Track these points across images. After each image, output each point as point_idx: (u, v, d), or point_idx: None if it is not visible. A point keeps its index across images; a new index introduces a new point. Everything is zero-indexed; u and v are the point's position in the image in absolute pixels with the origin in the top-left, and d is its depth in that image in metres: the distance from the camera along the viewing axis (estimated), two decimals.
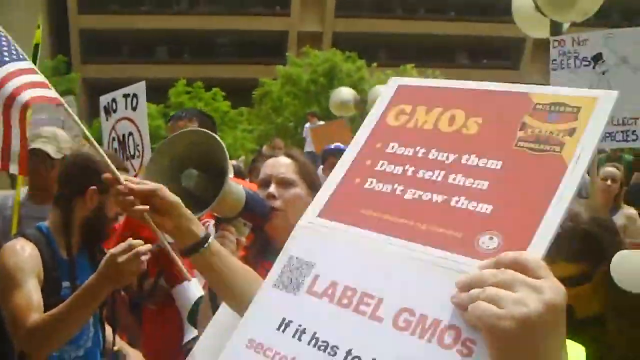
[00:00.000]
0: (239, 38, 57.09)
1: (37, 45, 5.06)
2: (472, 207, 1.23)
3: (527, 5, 7.45)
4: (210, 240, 1.98)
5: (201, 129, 2.34)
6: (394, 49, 53.56)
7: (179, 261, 2.64)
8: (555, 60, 6.31)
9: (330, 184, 1.49)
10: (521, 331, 1.01)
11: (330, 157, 6.42)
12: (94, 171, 3.12)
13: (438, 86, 1.48)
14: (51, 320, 2.81)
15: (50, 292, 3.05)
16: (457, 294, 1.11)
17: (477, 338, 1.08)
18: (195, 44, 56.98)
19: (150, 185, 1.97)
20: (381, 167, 1.41)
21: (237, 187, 2.49)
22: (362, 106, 19.88)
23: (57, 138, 4.63)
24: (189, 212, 1.99)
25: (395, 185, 1.35)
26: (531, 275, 1.06)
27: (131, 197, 1.93)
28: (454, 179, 1.28)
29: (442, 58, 53.03)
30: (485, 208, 1.21)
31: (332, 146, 6.69)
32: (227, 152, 2.28)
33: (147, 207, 1.94)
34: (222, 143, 2.29)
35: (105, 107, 5.90)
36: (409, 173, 1.36)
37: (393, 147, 1.43)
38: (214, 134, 2.28)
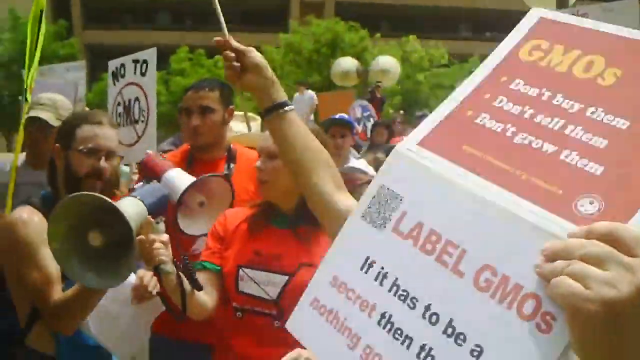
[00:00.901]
0: (241, 5, 56.78)
1: (41, 11, 4.95)
2: (582, 164, 1.10)
3: None
4: (289, 107, 2.04)
5: (92, 194, 2.40)
6: (396, 20, 53.40)
7: (160, 160, 3.17)
8: None
9: (440, 111, 1.36)
10: (609, 316, 0.90)
11: (333, 127, 6.24)
12: (64, 130, 3.12)
13: (583, 26, 1.32)
14: (73, 296, 2.74)
15: None
16: (541, 264, 1.01)
17: (558, 313, 0.98)
18: (198, 11, 56.64)
19: (243, 46, 2.12)
20: (499, 103, 1.29)
21: (139, 213, 2.55)
22: (365, 76, 19.80)
23: (56, 104, 4.55)
24: (273, 75, 2.09)
25: (508, 126, 1.24)
26: (626, 253, 0.92)
27: (232, 54, 2.09)
28: (572, 131, 1.16)
29: (445, 30, 52.87)
30: (596, 169, 1.08)
31: (337, 116, 6.52)
32: (123, 211, 2.32)
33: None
34: (117, 205, 2.33)
35: (113, 71, 5.77)
36: (526, 115, 1.23)
37: (518, 84, 1.30)
38: (107, 200, 2.32)
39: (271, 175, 2.91)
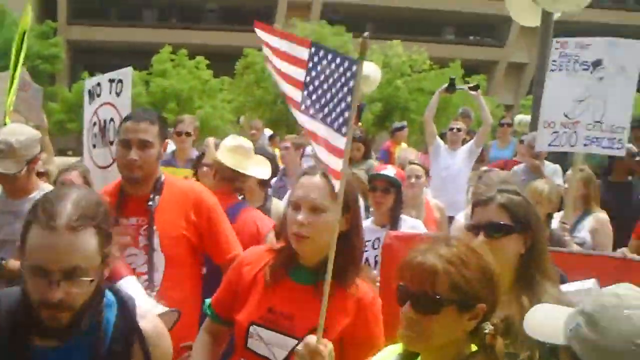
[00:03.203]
0: (227, 4, 56.64)
1: (24, 33, 5.03)
2: None
3: None
4: None
5: None
6: (382, 22, 53.35)
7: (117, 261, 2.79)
8: (555, 61, 6.32)
9: None
10: None
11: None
12: None
13: None
14: None
15: None
16: None
17: None
18: (183, 9, 56.50)
19: None
20: None
21: None
22: None
23: (13, 147, 4.43)
24: None
25: None
26: None
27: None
28: None
29: (429, 33, 52.94)
30: None
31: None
32: None
33: None
34: None
35: (89, 90, 5.81)
36: None
37: None
38: None
39: (314, 231, 2.78)
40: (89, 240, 2.09)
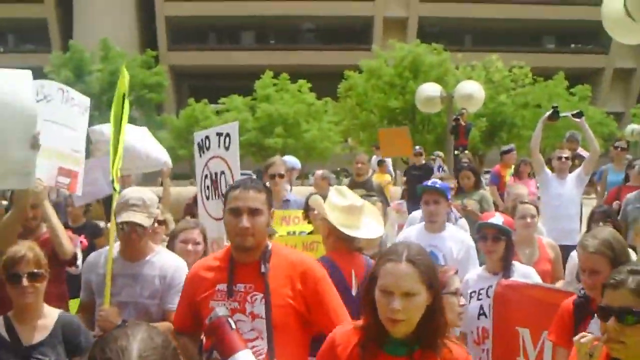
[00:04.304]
0: (324, 23, 57.19)
1: (124, 95, 5.11)
2: None
3: (617, 10, 7.22)
4: None
5: None
6: (480, 34, 52.89)
7: (233, 332, 2.90)
8: None
9: None
10: None
11: (425, 194, 6.01)
12: None
13: None
14: None
15: None
16: None
17: None
18: (281, 30, 57.35)
19: None
20: None
21: None
22: (449, 102, 19.65)
23: (146, 203, 4.55)
24: None
25: None
26: None
27: None
28: None
29: (529, 43, 52.13)
30: None
31: (429, 182, 6.30)
32: None
33: None
34: None
35: (199, 143, 5.93)
36: None
37: None
38: None
39: (408, 315, 2.85)
40: None
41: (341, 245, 4.55)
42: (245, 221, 3.69)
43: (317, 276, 3.81)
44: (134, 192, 4.65)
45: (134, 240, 4.51)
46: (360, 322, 3.10)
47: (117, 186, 4.88)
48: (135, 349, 1.90)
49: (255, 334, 3.65)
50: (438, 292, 2.97)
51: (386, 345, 2.96)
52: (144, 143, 8.08)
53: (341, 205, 4.57)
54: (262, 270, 3.70)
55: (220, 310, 2.98)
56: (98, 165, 6.84)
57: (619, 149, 11.21)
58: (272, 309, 3.63)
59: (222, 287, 3.66)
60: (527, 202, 6.55)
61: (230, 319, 2.98)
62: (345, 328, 3.21)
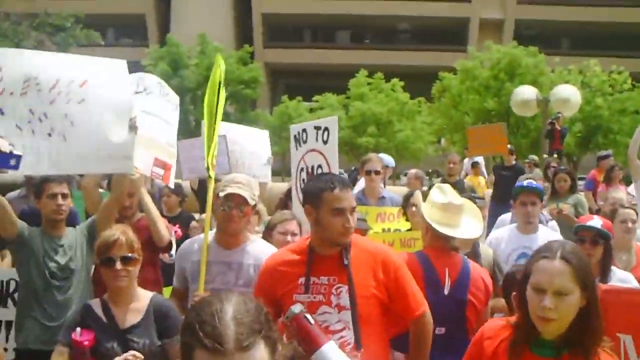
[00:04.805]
0: (419, 24, 56.89)
1: (219, 84, 5.13)
2: None
3: None
4: None
5: None
6: (577, 37, 51.73)
7: (314, 326, 2.85)
8: None
9: None
10: None
11: (522, 195, 5.95)
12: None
13: None
14: None
15: None
16: None
17: None
18: (376, 30, 57.30)
19: None
20: None
21: None
22: (545, 105, 19.27)
23: (251, 185, 4.63)
24: None
25: None
26: None
27: None
28: None
29: (628, 47, 50.57)
30: None
31: (525, 183, 6.18)
32: None
33: None
34: None
35: (295, 136, 5.90)
36: None
37: None
38: None
39: (560, 314, 2.82)
40: (262, 355, 1.94)
41: (437, 242, 4.46)
42: (351, 221, 3.79)
43: (397, 264, 3.88)
44: (239, 174, 4.76)
45: (234, 218, 4.48)
46: (513, 319, 3.09)
47: (212, 173, 4.89)
48: (230, 311, 1.93)
49: (343, 324, 3.71)
50: (593, 294, 2.89)
51: (534, 345, 2.94)
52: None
53: (440, 202, 4.48)
54: (345, 262, 3.76)
55: (296, 308, 2.92)
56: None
57: None
58: (358, 299, 3.69)
59: (304, 280, 3.74)
60: (628, 207, 6.35)
61: (307, 315, 2.92)
62: (495, 323, 3.24)
